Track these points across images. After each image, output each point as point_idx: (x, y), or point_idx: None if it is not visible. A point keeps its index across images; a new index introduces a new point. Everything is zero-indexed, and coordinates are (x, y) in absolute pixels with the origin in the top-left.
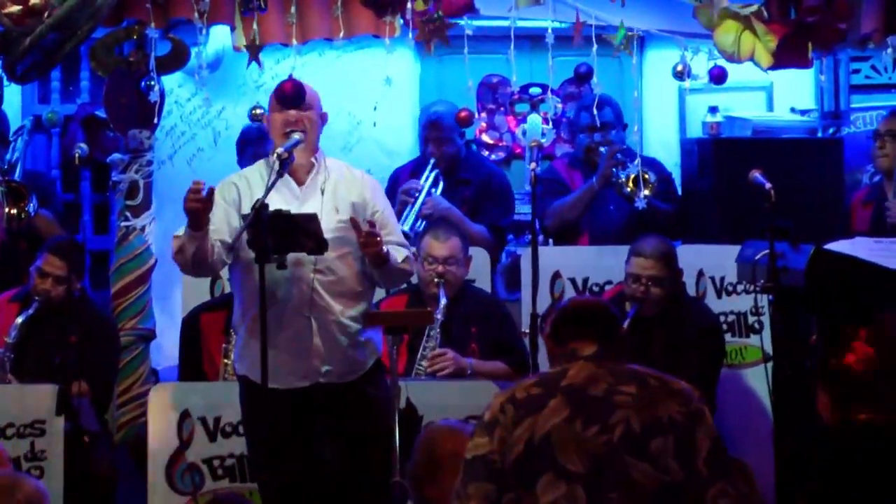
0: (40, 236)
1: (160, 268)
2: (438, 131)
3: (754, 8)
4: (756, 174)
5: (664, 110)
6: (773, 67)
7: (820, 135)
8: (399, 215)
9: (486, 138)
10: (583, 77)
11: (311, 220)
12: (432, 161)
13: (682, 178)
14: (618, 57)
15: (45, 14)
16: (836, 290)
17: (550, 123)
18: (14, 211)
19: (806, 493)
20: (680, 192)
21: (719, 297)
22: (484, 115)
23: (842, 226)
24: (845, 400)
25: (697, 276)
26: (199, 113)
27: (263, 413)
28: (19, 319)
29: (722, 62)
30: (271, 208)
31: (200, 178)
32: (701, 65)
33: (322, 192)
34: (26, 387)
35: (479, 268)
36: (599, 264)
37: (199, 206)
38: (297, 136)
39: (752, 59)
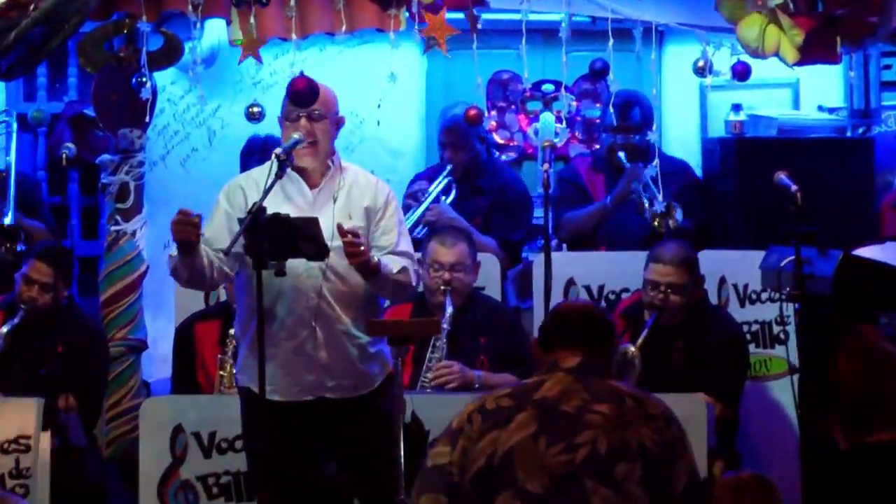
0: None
1: (152, 274)
2: (455, 137)
3: (780, 0)
4: (781, 176)
5: (684, 108)
6: (800, 63)
7: (849, 134)
8: None
9: (496, 138)
10: (598, 73)
11: (312, 223)
12: (448, 167)
13: (704, 179)
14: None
15: (31, 7)
16: (866, 298)
17: (564, 122)
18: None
19: None
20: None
21: (742, 305)
22: (494, 113)
23: (872, 230)
24: (855, 423)
25: (719, 284)
26: (194, 111)
27: (264, 426)
28: (4, 329)
29: (745, 57)
30: (280, 214)
31: (196, 181)
32: (723, 60)
33: (335, 199)
34: (10, 400)
35: (489, 275)
36: (616, 271)
37: (189, 238)
38: (296, 135)
39: (777, 54)
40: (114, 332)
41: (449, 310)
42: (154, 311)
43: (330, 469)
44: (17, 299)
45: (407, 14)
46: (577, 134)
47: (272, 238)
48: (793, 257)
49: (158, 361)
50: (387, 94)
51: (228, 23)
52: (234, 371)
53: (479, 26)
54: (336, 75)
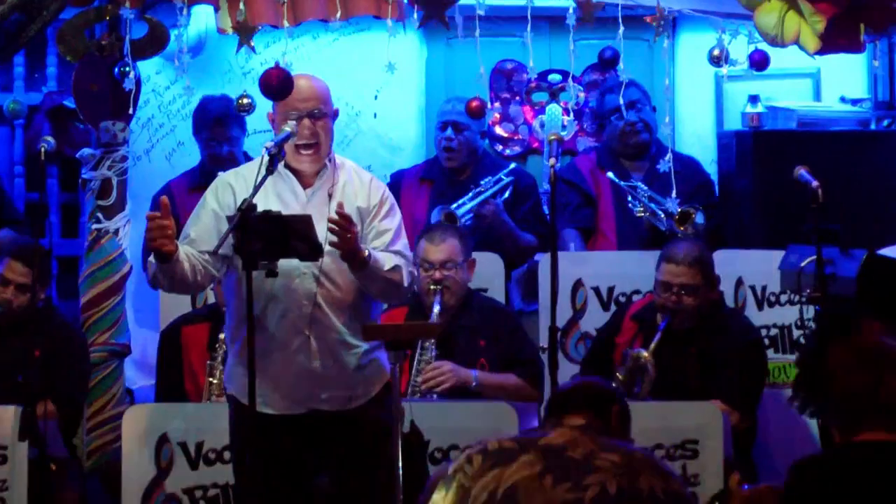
0: None
1: (136, 275)
2: (459, 116)
3: None
4: (801, 171)
5: (699, 100)
6: (821, 52)
7: (873, 127)
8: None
9: (499, 131)
10: (608, 62)
11: (305, 221)
12: (512, 164)
13: (719, 175)
14: (647, 40)
15: None
16: (892, 300)
17: (572, 114)
18: None
19: None
20: (716, 190)
21: (760, 308)
22: (497, 105)
23: None
24: (847, 421)
25: (736, 285)
26: (180, 103)
27: (253, 438)
28: None
29: (763, 46)
30: (271, 211)
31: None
32: (740, 49)
33: (329, 197)
34: None
35: (492, 276)
36: (626, 271)
37: (164, 248)
38: (287, 128)
39: (797, 42)
40: (95, 337)
41: (436, 309)
42: (138, 314)
43: (322, 483)
44: None
45: (405, 0)
46: (585, 127)
47: (263, 237)
48: (814, 257)
49: (142, 367)
50: (384, 85)
51: (216, 9)
52: (223, 378)
53: (482, 13)
54: (330, 65)
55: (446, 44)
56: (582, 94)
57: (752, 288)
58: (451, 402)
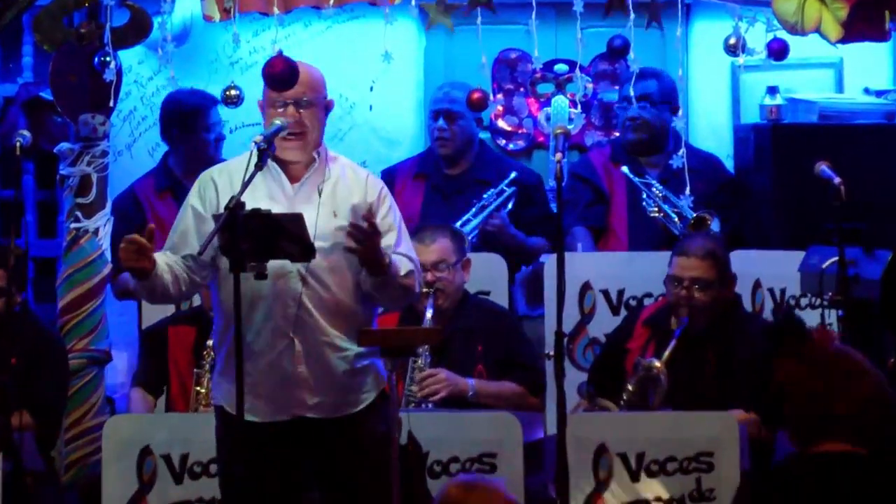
0: None
1: None
2: (451, 104)
3: None
4: (823, 167)
5: (714, 91)
6: (844, 41)
7: None
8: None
9: (502, 124)
10: (618, 52)
11: (296, 220)
12: (512, 174)
13: (736, 171)
14: (660, 28)
15: None
16: None
17: (579, 107)
18: None
19: None
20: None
21: (779, 312)
22: (500, 96)
23: None
24: (803, 432)
25: (754, 288)
26: (164, 94)
27: (240, 449)
28: None
29: (782, 34)
30: (261, 210)
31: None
32: (758, 37)
33: (319, 193)
34: None
35: (495, 279)
36: (637, 273)
37: (139, 266)
38: (278, 121)
39: (818, 30)
40: (74, 343)
41: (429, 313)
42: (118, 319)
43: (314, 497)
44: None
45: None
46: (593, 120)
47: (252, 237)
48: (836, 258)
49: (124, 375)
50: (380, 76)
51: None
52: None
53: None
54: (323, 54)
55: (446, 32)
56: (590, 86)
57: (771, 291)
58: (451, 412)
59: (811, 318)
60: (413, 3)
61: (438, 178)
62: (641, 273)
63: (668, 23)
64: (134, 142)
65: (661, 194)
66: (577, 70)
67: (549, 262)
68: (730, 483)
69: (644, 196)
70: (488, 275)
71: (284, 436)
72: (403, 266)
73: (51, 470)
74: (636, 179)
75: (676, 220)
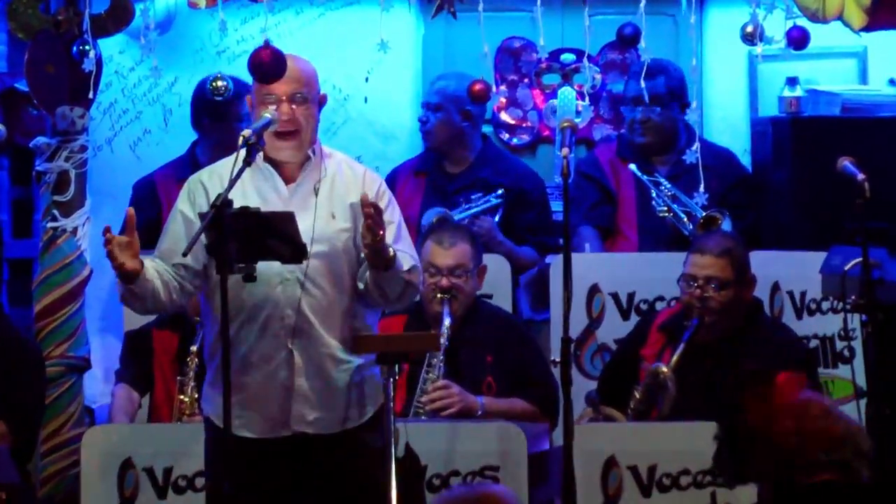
0: None
1: (96, 280)
2: (433, 95)
3: None
4: (846, 162)
5: (730, 82)
6: (868, 28)
7: None
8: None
9: (505, 117)
10: (628, 40)
11: (286, 219)
12: (500, 191)
13: (753, 167)
14: (672, 15)
15: None
16: None
17: (587, 99)
18: None
19: None
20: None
21: (799, 317)
22: (503, 88)
23: None
24: (780, 474)
25: (772, 291)
26: (146, 86)
27: (231, 465)
28: None
29: (803, 22)
30: (249, 207)
31: (148, 168)
32: (776, 26)
33: (316, 193)
34: None
35: (498, 281)
36: (649, 275)
37: (122, 263)
38: (267, 114)
39: (840, 17)
40: (51, 349)
41: (447, 321)
42: (99, 323)
43: None
44: None
45: None
46: (602, 113)
47: (239, 236)
48: (859, 259)
49: (104, 383)
50: (376, 66)
51: None
52: (198, 396)
53: None
54: (315, 43)
55: (445, 19)
56: (598, 76)
57: (791, 294)
58: (451, 422)
59: (833, 322)
60: None
61: (438, 176)
62: (653, 275)
63: (681, 10)
64: (115, 136)
65: (670, 193)
66: (585, 60)
67: (555, 263)
68: (747, 498)
69: (653, 195)
70: (491, 277)
71: (280, 453)
72: (406, 261)
73: (27, 484)
74: (644, 177)
75: (686, 219)
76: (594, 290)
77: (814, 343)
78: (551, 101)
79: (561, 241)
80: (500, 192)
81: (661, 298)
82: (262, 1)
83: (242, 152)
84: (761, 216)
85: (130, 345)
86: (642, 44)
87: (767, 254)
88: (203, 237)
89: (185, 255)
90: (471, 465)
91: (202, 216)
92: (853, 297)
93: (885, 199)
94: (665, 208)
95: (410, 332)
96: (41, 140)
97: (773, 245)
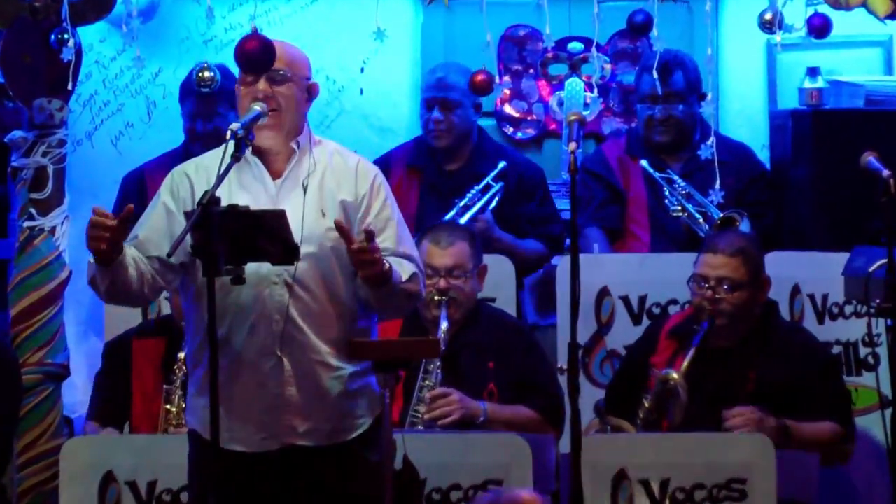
0: None
1: (76, 282)
2: (447, 92)
3: None
4: (870, 158)
5: (748, 73)
6: (893, 16)
7: None
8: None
9: (509, 110)
10: (639, 28)
11: (278, 217)
12: (502, 164)
13: (772, 163)
14: (687, 2)
15: None
16: None
17: (596, 90)
18: None
19: None
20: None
21: (821, 321)
22: (507, 79)
23: None
24: None
25: (792, 294)
26: (129, 76)
27: (218, 480)
28: None
29: (824, 9)
30: (238, 206)
31: (130, 164)
32: (796, 13)
33: (305, 189)
34: None
35: (502, 283)
36: (661, 278)
37: (106, 249)
38: (257, 107)
39: (864, 5)
40: (28, 355)
41: (444, 325)
42: (78, 328)
43: None
44: None
45: None
46: (611, 105)
47: (228, 236)
48: (884, 261)
49: (84, 392)
50: (372, 56)
51: None
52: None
53: None
54: (308, 31)
55: (445, 6)
56: (608, 67)
57: (811, 297)
58: (451, 433)
59: (857, 328)
60: None
61: (434, 174)
62: (666, 277)
63: None
64: (95, 130)
65: (684, 191)
66: (594, 49)
67: (561, 265)
68: None
69: (666, 193)
70: (494, 279)
71: (269, 467)
72: (405, 270)
73: (2, 498)
74: (657, 175)
75: (701, 219)
76: (603, 293)
77: (836, 349)
78: (558, 92)
79: (566, 232)
80: (500, 167)
81: (674, 302)
82: None
83: (231, 147)
84: (780, 215)
85: (103, 366)
86: (654, 32)
87: (787, 254)
88: (189, 237)
89: (169, 256)
90: (473, 479)
91: (188, 215)
92: (878, 301)
93: None
94: (679, 207)
95: (408, 336)
96: (17, 134)
97: (792, 245)
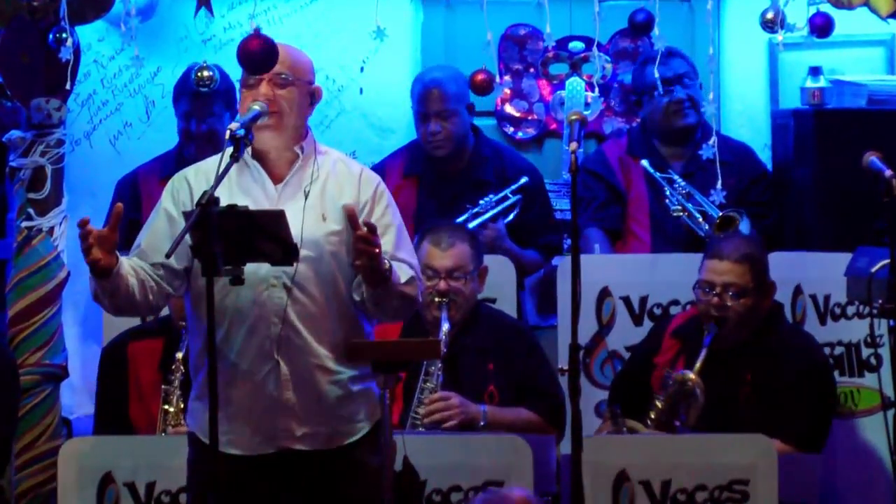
0: None
1: (74, 283)
2: (439, 102)
3: None
4: (872, 158)
5: (749, 72)
6: None
7: None
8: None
9: (510, 110)
10: (640, 27)
11: (276, 217)
12: (524, 179)
13: (774, 163)
14: (688, 1)
15: None
16: None
17: (597, 90)
18: None
19: None
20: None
21: (823, 322)
22: (508, 78)
23: None
24: None
25: (794, 295)
26: (127, 76)
27: (216, 484)
28: None
29: (827, 8)
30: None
31: (129, 164)
32: (798, 12)
33: (306, 194)
34: None
35: (502, 284)
36: (662, 278)
37: (98, 259)
38: (256, 105)
39: (866, 3)
40: (26, 356)
41: (445, 326)
42: (77, 329)
43: None
44: None
45: None
46: (612, 105)
47: (226, 236)
48: (887, 261)
49: (82, 393)
50: (372, 55)
51: None
52: (184, 406)
53: None
54: (308, 31)
55: (446, 5)
56: (609, 66)
57: (814, 297)
58: (452, 434)
59: (859, 328)
60: None
61: (432, 178)
62: (667, 277)
63: None
64: (93, 129)
65: (684, 191)
66: (595, 48)
67: (562, 265)
68: None
69: (667, 193)
70: (494, 280)
71: (267, 470)
72: (403, 273)
73: (1, 500)
74: (657, 174)
75: (701, 219)
76: (604, 294)
77: (838, 350)
78: (559, 92)
79: (566, 240)
80: (521, 182)
81: (675, 302)
82: None
83: (230, 148)
84: (782, 215)
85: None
86: (656, 31)
87: (789, 255)
88: (188, 237)
89: (168, 256)
90: (473, 480)
91: (187, 215)
92: (880, 302)
93: None
94: (679, 207)
95: (408, 338)
96: (15, 134)
97: (794, 246)
